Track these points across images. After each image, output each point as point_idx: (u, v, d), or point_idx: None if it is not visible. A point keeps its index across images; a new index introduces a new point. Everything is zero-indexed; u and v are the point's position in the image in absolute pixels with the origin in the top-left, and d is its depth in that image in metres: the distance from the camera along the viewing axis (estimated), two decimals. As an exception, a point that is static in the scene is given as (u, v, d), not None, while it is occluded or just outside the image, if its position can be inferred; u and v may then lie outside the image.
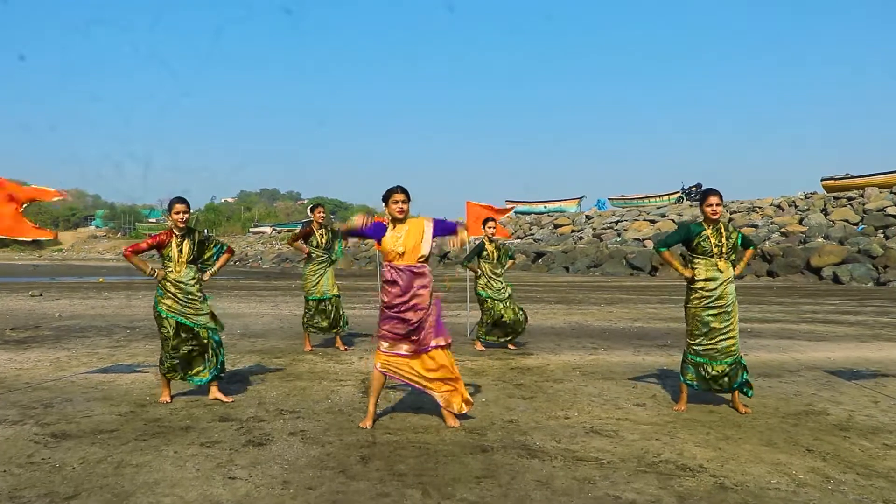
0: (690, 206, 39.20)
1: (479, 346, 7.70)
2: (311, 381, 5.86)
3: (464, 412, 4.42)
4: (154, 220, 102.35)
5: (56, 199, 5.60)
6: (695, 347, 4.83)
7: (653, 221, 35.31)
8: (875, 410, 4.92)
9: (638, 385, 5.77)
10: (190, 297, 4.98)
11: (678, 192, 43.99)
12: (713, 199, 4.73)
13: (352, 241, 4.84)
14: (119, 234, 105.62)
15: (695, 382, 4.85)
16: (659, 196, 44.55)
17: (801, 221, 28.86)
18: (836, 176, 34.59)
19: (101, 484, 3.31)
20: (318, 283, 7.43)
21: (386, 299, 4.37)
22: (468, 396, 4.46)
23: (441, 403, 4.40)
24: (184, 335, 4.97)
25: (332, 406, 4.92)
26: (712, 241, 4.74)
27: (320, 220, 7.49)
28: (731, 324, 4.78)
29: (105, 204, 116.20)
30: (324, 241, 7.49)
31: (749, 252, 5.03)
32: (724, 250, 4.74)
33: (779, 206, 32.95)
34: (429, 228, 4.37)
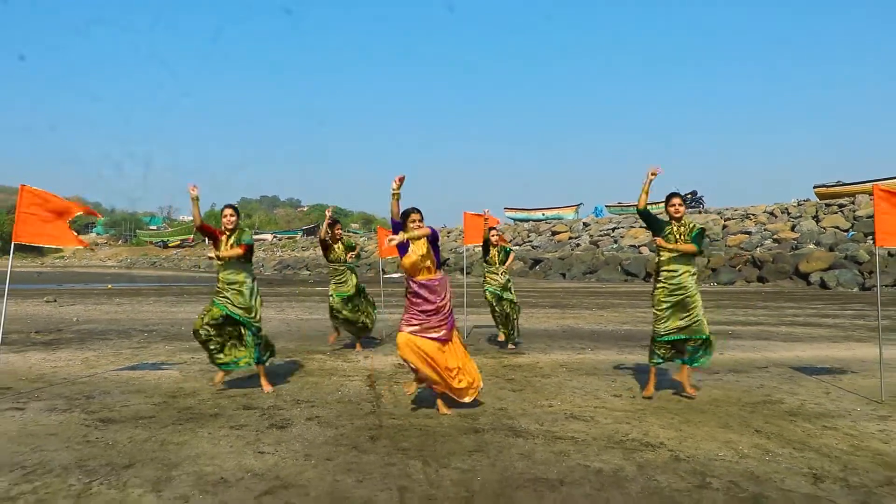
0: (686, 213, 39.84)
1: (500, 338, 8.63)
2: (322, 376, 6.47)
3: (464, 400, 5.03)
4: (155, 228, 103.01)
5: (81, 213, 6.22)
6: (658, 330, 5.52)
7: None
8: (825, 400, 5.53)
9: (617, 379, 6.38)
10: (233, 288, 5.70)
11: (674, 199, 44.63)
12: (676, 200, 5.52)
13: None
14: (120, 242, 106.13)
15: (659, 359, 5.54)
16: (655, 203, 45.11)
17: (793, 228, 29.52)
18: (828, 183, 35.26)
19: (152, 457, 3.91)
20: (340, 287, 8.12)
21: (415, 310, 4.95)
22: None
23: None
24: (224, 322, 5.70)
25: (342, 397, 5.52)
26: (674, 236, 5.43)
27: (338, 236, 8.13)
28: (694, 308, 5.41)
29: (105, 211, 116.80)
30: (339, 254, 8.11)
31: (688, 246, 5.41)
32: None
33: (772, 213, 33.63)
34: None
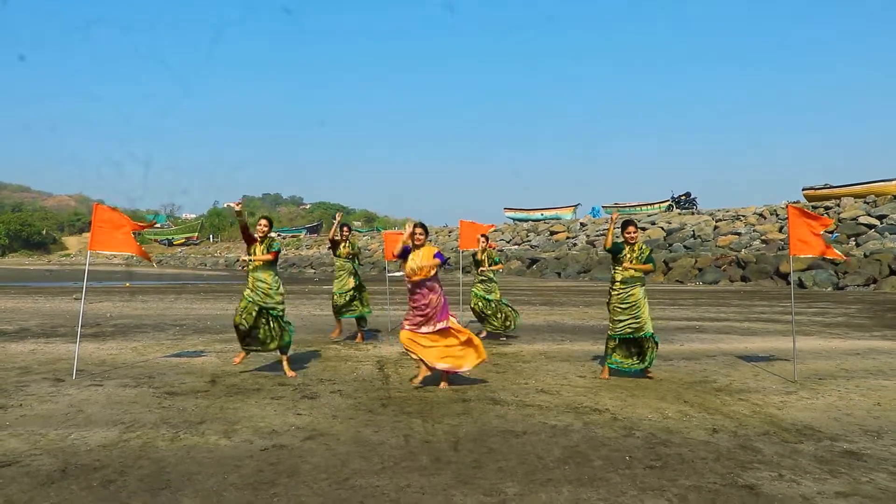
0: (680, 213, 41.18)
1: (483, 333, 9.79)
2: (339, 361, 7.72)
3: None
4: (159, 225, 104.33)
5: (147, 228, 7.48)
6: (612, 330, 6.73)
7: (643, 228, 37.06)
8: (751, 381, 6.76)
9: (585, 364, 7.63)
10: (262, 286, 6.84)
11: (668, 200, 45.96)
12: (630, 228, 6.69)
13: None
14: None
15: (617, 364, 6.72)
16: (650, 204, 46.50)
17: (780, 229, 30.68)
18: (816, 186, 36.52)
19: (217, 416, 5.16)
20: (342, 284, 9.41)
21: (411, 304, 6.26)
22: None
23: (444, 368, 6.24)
24: (256, 315, 6.80)
25: (357, 377, 6.78)
26: (628, 256, 6.65)
27: (346, 236, 9.47)
28: (640, 313, 6.63)
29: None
30: (346, 252, 9.45)
31: (646, 266, 6.71)
32: (636, 263, 6.64)
33: (761, 215, 34.83)
34: (433, 254, 6.26)
